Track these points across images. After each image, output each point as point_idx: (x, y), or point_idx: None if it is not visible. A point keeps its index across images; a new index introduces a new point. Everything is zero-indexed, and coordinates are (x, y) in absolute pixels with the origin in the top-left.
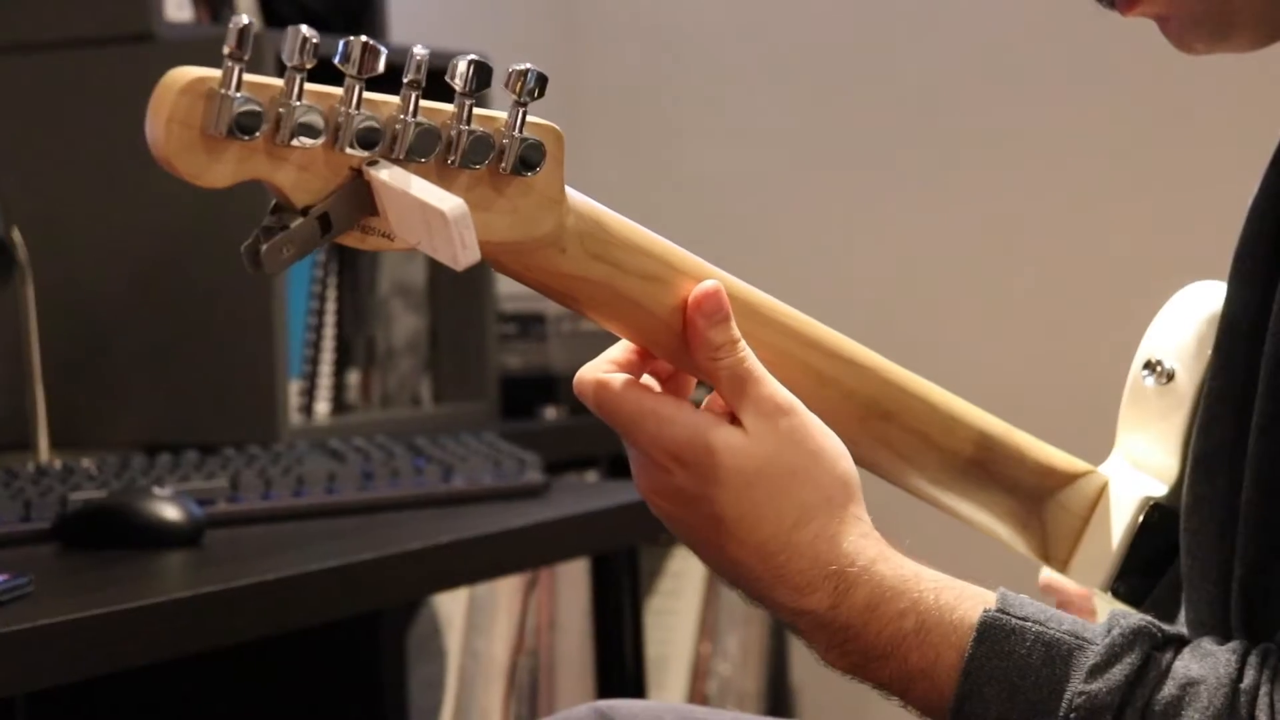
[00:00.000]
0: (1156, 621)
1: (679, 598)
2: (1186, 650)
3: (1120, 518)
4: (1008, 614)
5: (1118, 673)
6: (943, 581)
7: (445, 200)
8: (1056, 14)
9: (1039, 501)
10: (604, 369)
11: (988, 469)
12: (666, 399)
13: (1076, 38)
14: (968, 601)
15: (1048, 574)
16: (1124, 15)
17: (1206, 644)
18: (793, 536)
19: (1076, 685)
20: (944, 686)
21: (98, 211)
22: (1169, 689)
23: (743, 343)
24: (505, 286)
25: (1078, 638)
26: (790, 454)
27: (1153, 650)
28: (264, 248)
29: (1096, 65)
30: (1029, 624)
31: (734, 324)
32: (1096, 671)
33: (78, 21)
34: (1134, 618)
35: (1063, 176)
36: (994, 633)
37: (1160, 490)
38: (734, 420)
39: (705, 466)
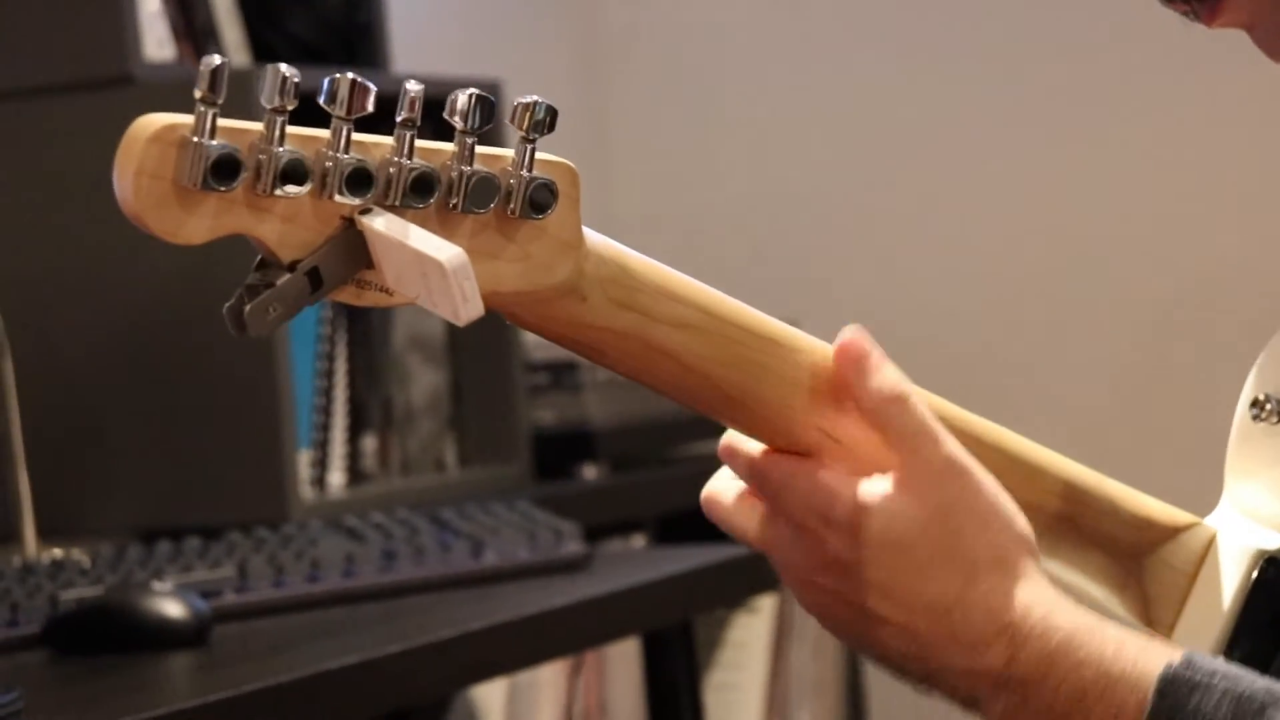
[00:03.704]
0: None
1: (742, 670)
2: None
3: (1231, 574)
4: (1194, 667)
5: None
6: (1126, 634)
7: (443, 250)
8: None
9: (1137, 559)
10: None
11: (1077, 524)
12: (812, 462)
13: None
14: (1153, 654)
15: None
16: (1209, 27)
17: None
18: (965, 593)
19: None
20: None
21: (80, 274)
22: None
23: (909, 394)
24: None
25: (1272, 693)
26: (960, 515)
27: None
28: (248, 308)
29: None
30: (1217, 678)
31: (893, 367)
32: None
33: (49, 65)
34: None
35: (1164, 192)
36: (1177, 687)
37: (1276, 542)
38: (901, 476)
39: (864, 528)
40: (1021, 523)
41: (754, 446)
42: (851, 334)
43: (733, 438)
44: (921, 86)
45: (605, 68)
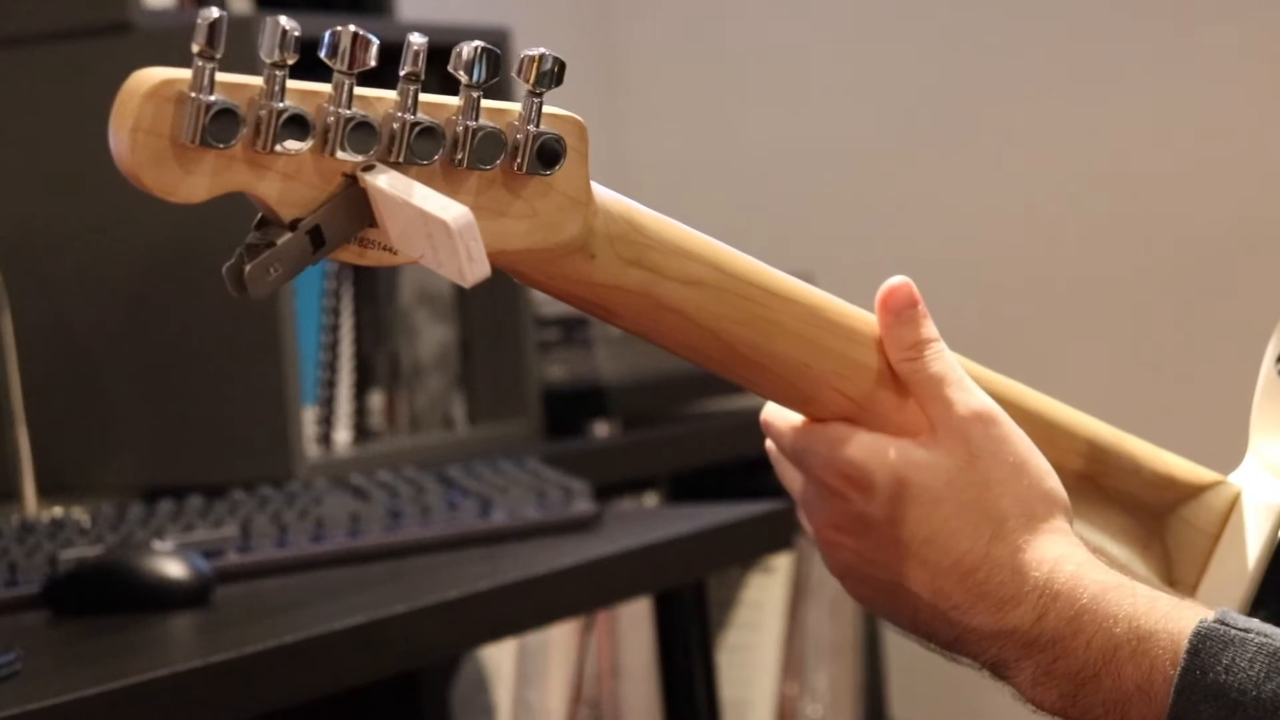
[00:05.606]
0: None
1: (757, 631)
2: None
3: (1256, 532)
4: (1227, 624)
5: None
6: (1157, 593)
7: (448, 209)
8: None
9: (1159, 518)
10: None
11: (1098, 483)
12: (836, 424)
13: None
14: (1186, 611)
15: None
16: None
17: None
18: (991, 549)
19: None
20: (1160, 706)
21: (80, 227)
22: None
23: (940, 344)
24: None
25: None
26: (987, 464)
27: None
28: (248, 268)
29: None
30: (1251, 634)
31: (930, 322)
32: None
33: (47, 12)
34: None
35: (1197, 146)
36: (1210, 644)
37: None
38: (926, 431)
39: (888, 486)
40: (1054, 482)
41: (790, 419)
42: (899, 282)
43: (771, 412)
44: (941, 37)
45: (619, 13)
